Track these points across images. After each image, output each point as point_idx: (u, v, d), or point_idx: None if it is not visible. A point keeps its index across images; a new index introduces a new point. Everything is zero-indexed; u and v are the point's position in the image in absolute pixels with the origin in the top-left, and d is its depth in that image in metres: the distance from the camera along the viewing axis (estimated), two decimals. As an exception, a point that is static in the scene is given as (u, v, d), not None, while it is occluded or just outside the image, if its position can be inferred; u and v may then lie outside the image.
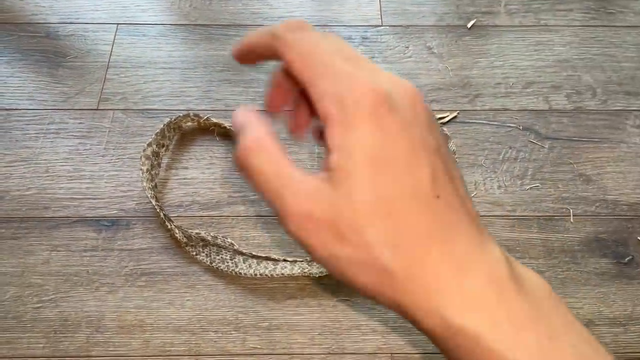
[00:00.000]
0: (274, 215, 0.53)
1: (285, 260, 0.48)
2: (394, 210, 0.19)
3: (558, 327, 0.20)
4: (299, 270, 0.48)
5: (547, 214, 0.53)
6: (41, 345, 0.46)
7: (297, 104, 0.25)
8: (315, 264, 0.48)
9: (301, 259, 0.49)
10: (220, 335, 0.47)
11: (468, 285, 0.19)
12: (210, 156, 0.56)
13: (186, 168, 0.55)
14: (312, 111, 0.24)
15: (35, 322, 0.47)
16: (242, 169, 0.20)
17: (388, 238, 0.19)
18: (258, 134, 0.20)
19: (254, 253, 0.49)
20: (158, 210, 0.50)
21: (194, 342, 0.47)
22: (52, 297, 0.48)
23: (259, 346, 0.47)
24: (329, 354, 0.47)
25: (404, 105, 0.19)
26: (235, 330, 0.47)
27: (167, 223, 0.49)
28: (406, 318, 0.20)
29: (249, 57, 0.24)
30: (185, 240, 0.49)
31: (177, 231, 0.49)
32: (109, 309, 0.48)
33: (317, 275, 0.48)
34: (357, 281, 0.19)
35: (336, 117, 0.19)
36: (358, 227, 0.18)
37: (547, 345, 0.19)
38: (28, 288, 0.49)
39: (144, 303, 0.48)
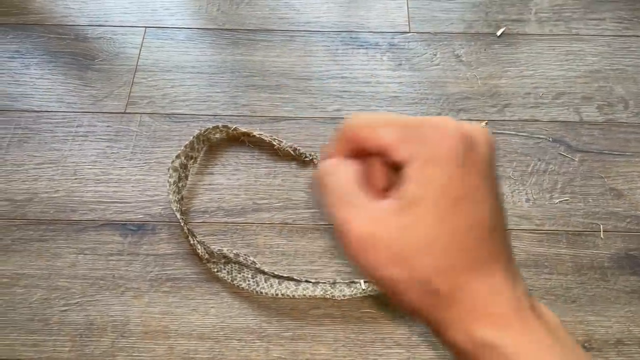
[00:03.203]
0: (298, 224, 0.53)
1: (307, 281, 0.48)
2: (453, 242, 0.21)
3: (569, 351, 0.22)
4: (321, 292, 0.48)
5: (577, 229, 0.52)
6: (67, 348, 0.47)
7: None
8: (337, 286, 0.48)
9: (324, 281, 0.48)
10: (244, 343, 0.47)
11: (498, 310, 0.21)
12: (236, 162, 0.56)
13: (212, 174, 0.55)
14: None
15: (61, 326, 0.48)
16: (319, 185, 0.22)
17: (441, 265, 0.21)
18: (337, 160, 0.22)
19: (276, 272, 0.49)
20: (182, 224, 0.50)
21: (217, 350, 0.47)
22: (79, 300, 0.49)
23: (282, 356, 0.47)
24: (353, 366, 0.46)
25: (481, 146, 0.21)
26: (259, 339, 0.47)
27: (190, 238, 0.50)
28: (437, 334, 0.22)
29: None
30: (207, 256, 0.49)
31: (199, 247, 0.49)
32: (134, 314, 0.48)
33: (339, 298, 0.48)
34: (405, 299, 0.21)
35: (420, 155, 0.20)
36: (418, 253, 0.20)
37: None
38: (55, 291, 0.49)
39: (169, 309, 0.49)
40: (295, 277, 0.49)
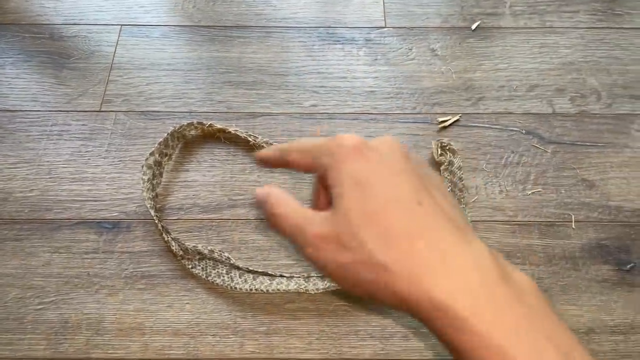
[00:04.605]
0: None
1: (281, 276, 0.49)
2: (381, 216, 0.23)
3: (537, 315, 0.22)
4: (294, 286, 0.48)
5: (549, 220, 0.53)
6: (42, 347, 0.47)
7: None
8: (311, 280, 0.48)
9: (298, 275, 0.49)
10: (219, 339, 0.47)
11: (453, 271, 0.22)
12: (212, 159, 0.56)
13: (187, 171, 0.56)
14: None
15: (36, 324, 0.48)
16: (271, 218, 0.26)
17: (379, 237, 0.22)
18: (280, 194, 0.26)
19: (250, 268, 0.49)
20: (156, 221, 0.50)
21: (192, 346, 0.47)
22: (53, 299, 0.49)
23: (257, 350, 0.47)
24: (327, 359, 0.47)
25: (381, 146, 0.25)
26: (234, 334, 0.48)
27: (164, 235, 0.50)
28: (401, 308, 0.23)
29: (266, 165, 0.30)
30: (181, 253, 0.49)
31: (173, 244, 0.49)
32: (108, 311, 0.48)
33: (312, 292, 0.48)
34: (360, 282, 0.23)
35: (329, 164, 0.25)
36: (353, 233, 0.23)
37: (524, 328, 0.21)
38: (29, 290, 0.49)
39: (144, 306, 0.49)
40: (269, 272, 0.49)
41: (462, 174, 0.53)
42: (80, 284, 0.50)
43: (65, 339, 0.47)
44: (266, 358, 0.47)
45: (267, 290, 0.48)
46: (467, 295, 0.21)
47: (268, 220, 0.27)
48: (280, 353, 0.47)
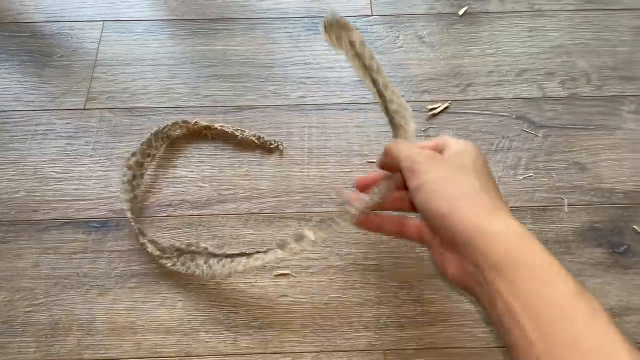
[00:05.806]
0: (265, 213, 0.52)
1: (258, 252, 0.45)
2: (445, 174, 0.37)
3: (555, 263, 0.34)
4: (272, 257, 0.44)
5: (541, 205, 0.52)
6: (32, 349, 0.46)
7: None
8: (287, 248, 0.44)
9: (274, 248, 0.45)
10: (212, 335, 0.47)
11: (491, 219, 0.34)
12: (200, 154, 0.56)
13: (175, 167, 0.55)
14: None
15: (26, 327, 0.47)
16: (388, 150, 0.41)
17: (438, 176, 0.37)
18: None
19: (227, 252, 0.47)
20: (133, 223, 0.49)
21: (185, 343, 0.46)
22: (43, 301, 0.48)
23: (251, 346, 0.46)
24: (322, 351, 0.46)
25: (457, 153, 0.40)
26: (227, 330, 0.47)
27: (139, 237, 0.49)
28: (437, 223, 0.36)
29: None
30: (158, 253, 0.48)
31: (149, 246, 0.48)
32: (100, 311, 0.48)
33: (290, 256, 0.45)
34: (429, 199, 0.36)
35: (415, 168, 0.38)
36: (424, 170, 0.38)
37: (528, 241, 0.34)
38: (18, 292, 0.49)
39: (135, 305, 0.48)
40: (246, 252, 0.46)
41: (370, 50, 0.44)
42: (70, 285, 0.49)
43: (57, 341, 0.47)
44: (261, 353, 0.46)
45: (246, 269, 0.45)
46: (500, 224, 0.34)
47: (389, 150, 0.41)
48: (275, 347, 0.46)
